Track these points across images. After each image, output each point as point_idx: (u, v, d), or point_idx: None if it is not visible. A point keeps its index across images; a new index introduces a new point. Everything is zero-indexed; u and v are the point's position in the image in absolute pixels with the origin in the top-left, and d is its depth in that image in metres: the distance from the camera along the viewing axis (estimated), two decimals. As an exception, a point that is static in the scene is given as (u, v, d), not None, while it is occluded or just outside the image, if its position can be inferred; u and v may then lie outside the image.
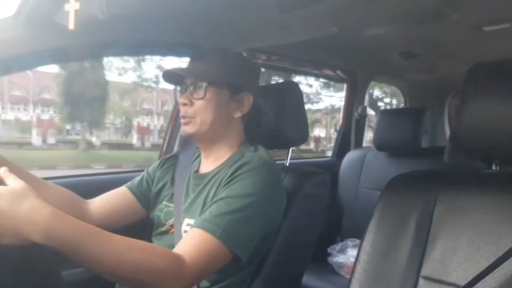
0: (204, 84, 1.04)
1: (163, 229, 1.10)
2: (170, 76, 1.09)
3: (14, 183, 0.71)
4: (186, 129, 1.06)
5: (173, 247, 1.03)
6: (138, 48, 1.37)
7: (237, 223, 0.92)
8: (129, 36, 1.25)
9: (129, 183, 1.21)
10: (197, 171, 1.14)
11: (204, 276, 0.93)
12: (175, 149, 1.68)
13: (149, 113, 11.69)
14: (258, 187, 0.96)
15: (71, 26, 0.88)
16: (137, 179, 1.22)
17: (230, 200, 0.94)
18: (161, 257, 0.81)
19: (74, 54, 1.21)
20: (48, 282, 0.77)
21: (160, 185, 1.18)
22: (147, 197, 1.18)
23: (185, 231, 1.02)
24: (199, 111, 1.04)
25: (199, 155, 1.17)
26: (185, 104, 1.06)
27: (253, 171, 0.98)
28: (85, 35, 1.11)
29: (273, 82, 3.48)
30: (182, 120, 1.07)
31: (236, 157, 1.05)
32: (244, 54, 1.62)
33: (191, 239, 0.90)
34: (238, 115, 1.09)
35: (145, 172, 1.23)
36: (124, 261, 0.76)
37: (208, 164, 1.11)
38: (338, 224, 2.20)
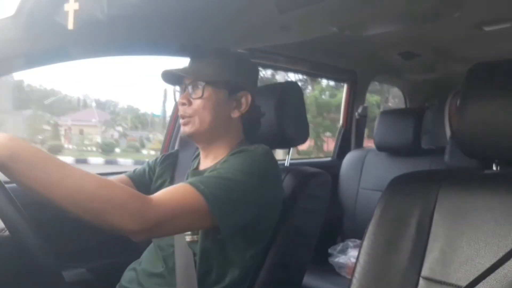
0: (202, 83, 1.04)
1: None
2: (169, 76, 1.10)
3: None
4: (185, 129, 1.07)
5: (173, 246, 1.03)
6: (138, 48, 1.37)
7: (222, 186, 0.90)
8: (129, 36, 1.25)
9: (129, 173, 1.21)
10: (196, 168, 1.15)
11: (170, 220, 0.83)
12: (175, 148, 1.69)
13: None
14: (252, 168, 0.95)
15: (70, 26, 0.88)
16: (139, 170, 1.22)
17: (221, 171, 0.94)
18: (122, 190, 0.79)
19: (74, 54, 1.21)
20: (48, 283, 0.77)
21: (159, 182, 1.18)
22: (148, 190, 1.17)
23: None
24: (197, 110, 1.05)
25: (199, 153, 1.18)
26: (183, 104, 1.07)
27: (249, 153, 0.99)
28: (85, 35, 1.11)
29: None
30: (181, 120, 1.08)
31: (235, 151, 1.04)
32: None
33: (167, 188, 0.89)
34: (236, 114, 1.09)
35: (145, 165, 1.24)
36: (83, 186, 0.75)
37: (207, 162, 1.11)
38: (339, 224, 2.20)
